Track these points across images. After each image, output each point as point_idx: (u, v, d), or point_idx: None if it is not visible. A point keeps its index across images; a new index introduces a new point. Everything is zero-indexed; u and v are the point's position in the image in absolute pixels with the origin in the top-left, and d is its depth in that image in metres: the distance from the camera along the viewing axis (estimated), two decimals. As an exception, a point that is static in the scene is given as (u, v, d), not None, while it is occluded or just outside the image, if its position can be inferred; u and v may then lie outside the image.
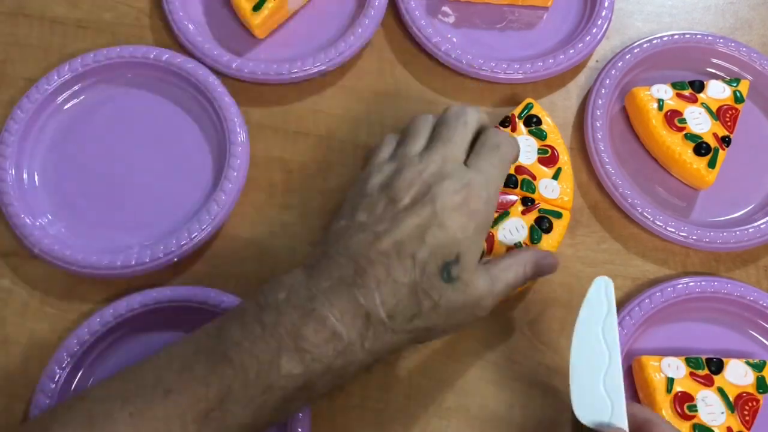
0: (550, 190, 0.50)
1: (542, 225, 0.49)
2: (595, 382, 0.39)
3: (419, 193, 0.38)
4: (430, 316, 0.37)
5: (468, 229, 0.38)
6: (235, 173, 0.50)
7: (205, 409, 0.34)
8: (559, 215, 0.49)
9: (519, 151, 0.44)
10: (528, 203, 0.49)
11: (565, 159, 0.51)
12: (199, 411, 0.34)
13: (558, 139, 0.51)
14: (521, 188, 0.49)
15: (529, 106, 0.52)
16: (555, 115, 0.56)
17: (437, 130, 0.42)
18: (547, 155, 0.50)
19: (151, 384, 0.35)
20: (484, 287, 0.39)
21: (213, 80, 0.53)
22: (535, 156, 0.51)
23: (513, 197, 0.49)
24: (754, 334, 0.50)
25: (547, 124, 0.52)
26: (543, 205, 0.49)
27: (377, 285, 0.36)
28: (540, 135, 0.51)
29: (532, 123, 0.51)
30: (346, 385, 0.37)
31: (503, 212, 0.49)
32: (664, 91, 0.53)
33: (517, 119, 0.52)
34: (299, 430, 0.44)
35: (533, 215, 0.49)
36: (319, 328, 0.35)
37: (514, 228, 0.49)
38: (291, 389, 0.35)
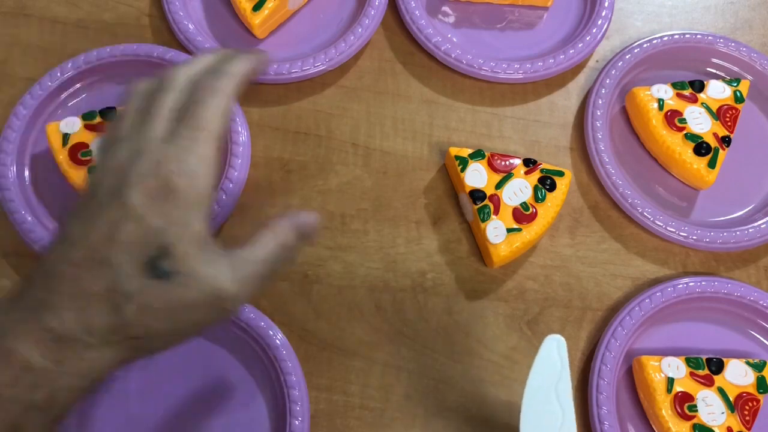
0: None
1: (545, 184, 0.49)
2: None
3: (112, 186, 0.32)
4: (142, 321, 0.32)
5: (171, 215, 0.32)
6: (236, 173, 0.50)
7: None
8: (561, 174, 0.50)
9: (234, 86, 0.35)
10: (530, 164, 0.50)
11: None
12: None
13: None
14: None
15: None
16: (555, 115, 0.56)
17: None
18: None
19: None
20: (218, 275, 0.33)
21: (213, 80, 0.53)
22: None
23: (516, 160, 0.50)
24: (754, 334, 0.50)
25: None
26: (545, 165, 0.50)
27: (70, 301, 0.31)
28: None
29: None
30: (67, 416, 0.33)
31: (506, 174, 0.49)
32: (664, 91, 0.53)
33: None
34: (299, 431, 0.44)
35: (536, 175, 0.50)
36: (4, 367, 0.31)
37: (518, 189, 0.49)
38: None
